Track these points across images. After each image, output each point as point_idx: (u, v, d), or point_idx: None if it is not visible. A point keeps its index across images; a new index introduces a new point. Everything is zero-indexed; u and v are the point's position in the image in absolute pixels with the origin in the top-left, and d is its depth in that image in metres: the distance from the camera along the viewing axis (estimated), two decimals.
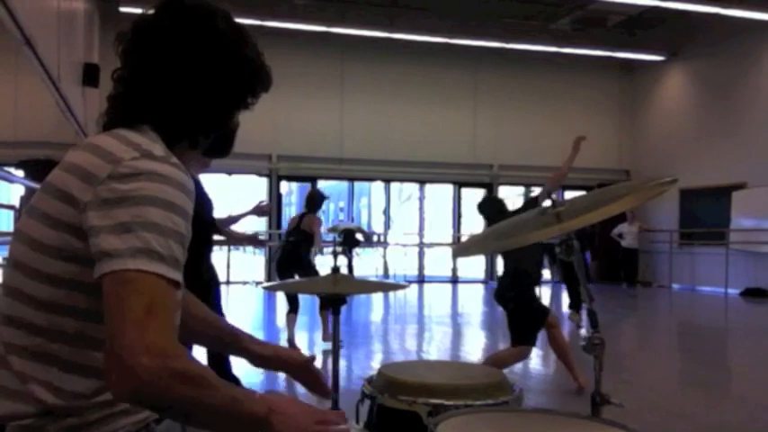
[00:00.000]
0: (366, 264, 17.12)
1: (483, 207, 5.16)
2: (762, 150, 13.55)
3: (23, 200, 7.51)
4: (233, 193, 15.79)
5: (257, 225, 15.01)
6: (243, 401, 1.10)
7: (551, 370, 5.35)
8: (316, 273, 6.93)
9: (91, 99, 9.56)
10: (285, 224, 16.08)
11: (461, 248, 1.95)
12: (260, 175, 15.53)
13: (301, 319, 7.40)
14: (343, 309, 2.05)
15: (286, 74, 11.39)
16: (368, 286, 2.63)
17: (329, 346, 7.22)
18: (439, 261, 17.89)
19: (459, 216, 17.17)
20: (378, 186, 18.43)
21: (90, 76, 8.86)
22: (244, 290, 14.00)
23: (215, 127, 1.36)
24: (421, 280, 16.77)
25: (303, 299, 7.36)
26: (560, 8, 13.45)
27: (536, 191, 17.97)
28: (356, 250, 13.59)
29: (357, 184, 17.70)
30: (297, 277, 6.65)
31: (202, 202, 2.90)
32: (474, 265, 17.54)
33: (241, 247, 21.34)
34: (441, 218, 18.13)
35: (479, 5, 13.22)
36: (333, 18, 13.54)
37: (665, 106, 16.57)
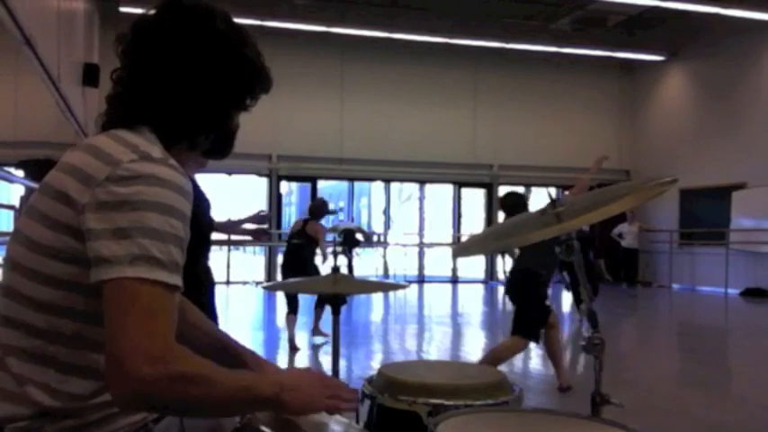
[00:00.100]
0: (366, 264, 17.12)
1: (504, 200, 5.22)
2: (762, 150, 13.55)
3: (23, 200, 7.50)
4: (233, 193, 15.80)
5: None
6: (251, 388, 1.12)
7: (551, 370, 5.35)
8: (318, 274, 6.97)
9: (91, 99, 9.56)
10: (285, 224, 16.10)
11: (461, 248, 1.95)
12: (260, 175, 15.53)
13: (301, 319, 7.41)
14: (344, 309, 2.05)
15: (286, 74, 11.38)
16: (368, 286, 2.63)
17: (319, 340, 7.34)
18: (439, 261, 17.89)
19: (460, 216, 17.17)
20: (378, 186, 18.43)
21: (90, 76, 8.86)
22: (244, 290, 14.00)
23: (214, 128, 1.35)
24: (421, 280, 16.77)
25: (303, 299, 7.38)
26: (560, 8, 13.45)
27: (536, 191, 17.84)
28: (356, 250, 13.60)
29: (357, 184, 17.70)
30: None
31: (199, 202, 2.89)
32: (474, 265, 17.54)
33: (241, 247, 21.35)
34: (441, 218, 18.13)
35: (479, 5, 13.21)
36: (333, 18, 13.54)
37: (665, 106, 16.57)
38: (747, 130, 13.98)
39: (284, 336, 7.28)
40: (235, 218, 4.29)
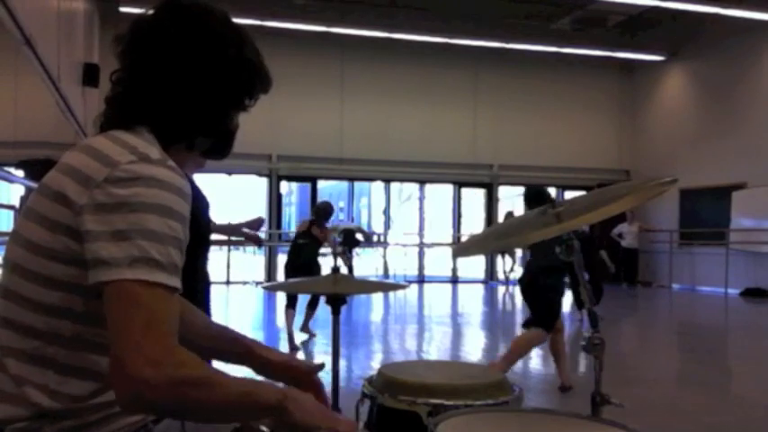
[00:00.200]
0: (366, 264, 17.12)
1: (527, 194, 5.27)
2: (762, 150, 13.55)
3: (23, 200, 7.50)
4: (233, 193, 15.80)
5: None
6: (254, 393, 1.11)
7: (551, 370, 5.36)
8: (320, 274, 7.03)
9: (91, 99, 9.56)
10: (285, 224, 16.12)
11: (461, 248, 1.95)
12: (260, 175, 15.53)
13: (300, 318, 7.43)
14: (344, 309, 2.04)
15: (286, 74, 11.39)
16: (368, 286, 2.63)
17: (303, 337, 7.41)
18: (439, 261, 17.89)
19: (460, 216, 17.17)
20: (378, 186, 18.43)
21: (90, 76, 8.87)
22: (244, 290, 14.00)
23: (213, 128, 1.34)
24: (421, 280, 16.77)
25: (303, 296, 7.46)
26: (560, 8, 13.44)
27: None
28: (356, 250, 13.57)
29: (357, 184, 17.70)
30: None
31: (198, 203, 2.89)
32: (474, 265, 17.54)
33: (241, 247, 21.35)
34: (441, 218, 18.14)
35: (479, 5, 13.21)
36: (333, 18, 13.54)
37: (665, 106, 16.57)
38: (747, 130, 13.98)
39: (284, 336, 7.29)
40: (235, 221, 4.37)
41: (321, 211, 7.47)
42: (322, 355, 6.71)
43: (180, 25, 1.26)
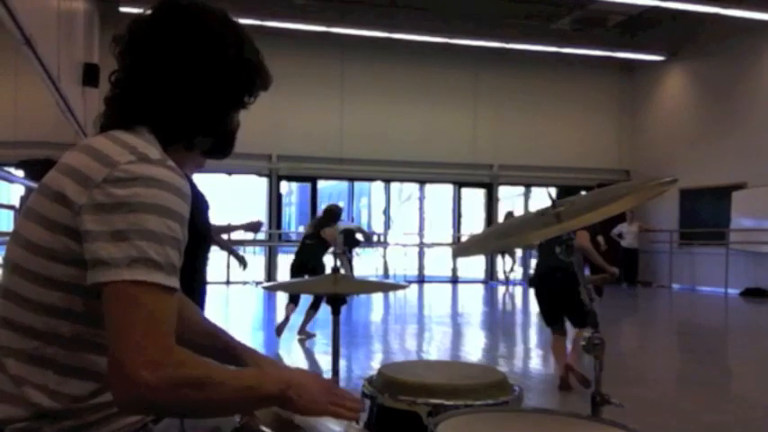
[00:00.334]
0: (366, 264, 17.11)
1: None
2: (762, 150, 13.55)
3: (23, 200, 7.50)
4: (233, 193, 15.79)
5: None
6: (255, 387, 1.13)
7: (551, 370, 5.36)
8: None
9: (91, 99, 9.56)
10: (285, 225, 16.12)
11: (461, 248, 1.95)
12: (260, 175, 15.53)
13: (300, 318, 7.43)
14: (344, 309, 2.04)
15: (286, 74, 11.38)
16: (368, 286, 2.63)
17: (301, 338, 7.43)
18: (439, 261, 17.88)
19: (459, 216, 17.17)
20: (378, 186, 18.42)
21: (90, 76, 8.87)
22: (244, 290, 14.00)
23: (212, 128, 1.34)
24: (421, 280, 16.77)
25: (305, 297, 7.52)
26: (560, 8, 13.44)
27: (536, 191, 17.84)
28: (356, 250, 13.58)
29: (357, 184, 17.69)
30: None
31: (197, 203, 2.88)
32: (474, 265, 17.54)
33: (241, 248, 21.31)
34: (441, 218, 18.13)
35: (479, 5, 13.21)
36: (333, 18, 13.53)
37: (664, 106, 16.56)
38: (747, 130, 13.97)
39: (284, 336, 7.30)
40: (235, 222, 4.54)
41: (333, 215, 7.61)
42: (322, 355, 6.72)
43: (178, 25, 1.26)
